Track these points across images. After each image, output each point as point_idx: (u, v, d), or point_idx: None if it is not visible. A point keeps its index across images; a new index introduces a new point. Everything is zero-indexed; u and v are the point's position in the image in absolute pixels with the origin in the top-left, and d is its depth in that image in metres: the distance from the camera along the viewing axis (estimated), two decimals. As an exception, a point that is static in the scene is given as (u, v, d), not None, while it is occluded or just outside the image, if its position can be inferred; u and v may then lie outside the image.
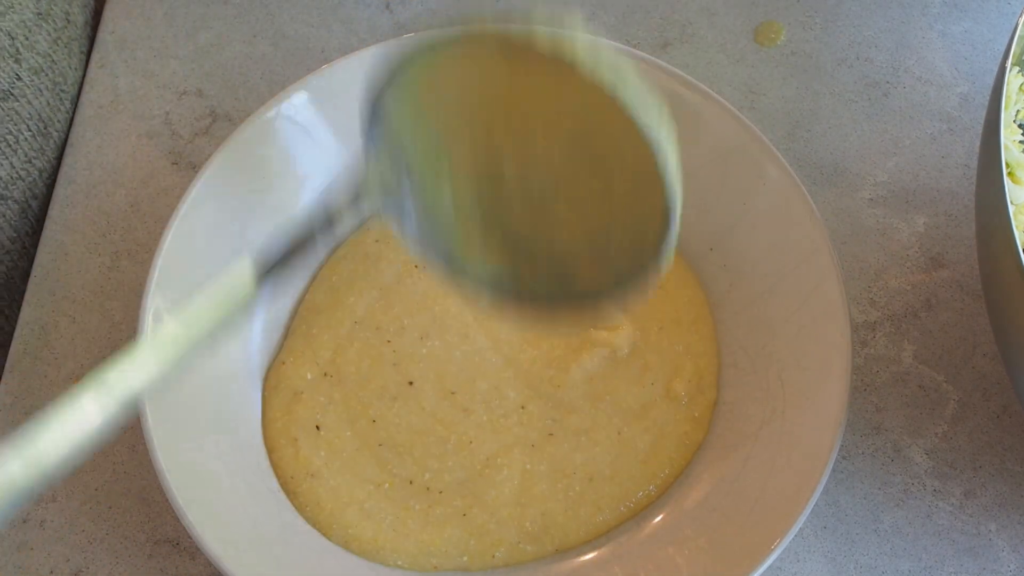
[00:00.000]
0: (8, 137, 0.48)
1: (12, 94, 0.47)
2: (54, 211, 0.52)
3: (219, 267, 0.46)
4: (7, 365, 0.49)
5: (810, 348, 0.45)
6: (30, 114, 0.50)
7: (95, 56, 0.56)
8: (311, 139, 0.49)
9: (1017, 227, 0.39)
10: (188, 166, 0.54)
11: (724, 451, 0.45)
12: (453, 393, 0.46)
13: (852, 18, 0.58)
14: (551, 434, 0.46)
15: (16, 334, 0.50)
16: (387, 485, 0.44)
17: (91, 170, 0.53)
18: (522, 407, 0.46)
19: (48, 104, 0.52)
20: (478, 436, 0.45)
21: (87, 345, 0.49)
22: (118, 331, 0.50)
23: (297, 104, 0.48)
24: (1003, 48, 0.42)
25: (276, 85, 0.55)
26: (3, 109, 0.47)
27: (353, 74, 0.49)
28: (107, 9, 0.58)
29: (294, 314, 0.48)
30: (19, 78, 0.48)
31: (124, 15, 0.58)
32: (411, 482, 0.44)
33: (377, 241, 0.50)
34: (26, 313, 0.50)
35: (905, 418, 0.48)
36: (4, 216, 0.50)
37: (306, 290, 0.49)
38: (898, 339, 0.50)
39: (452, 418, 0.46)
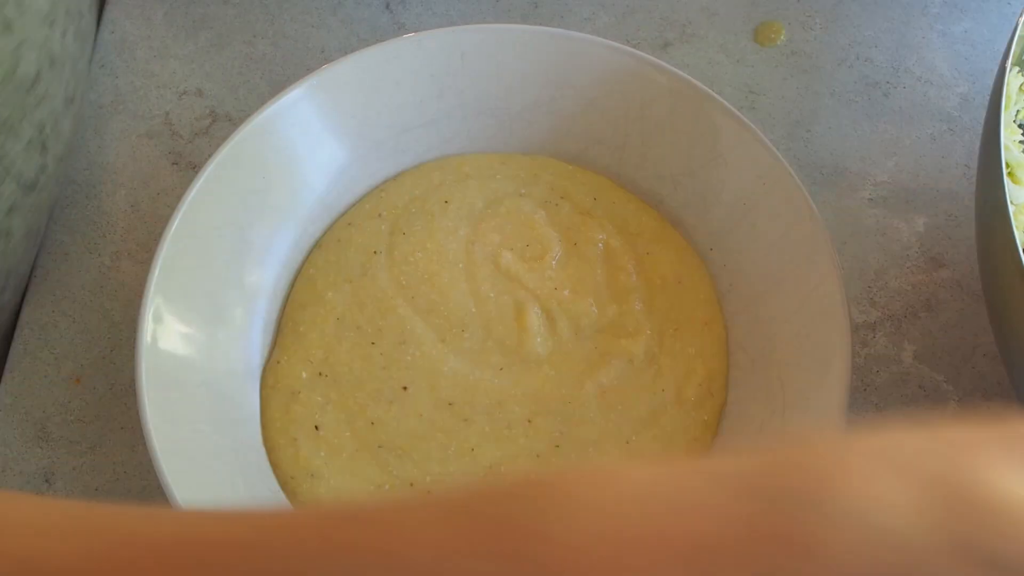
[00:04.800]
0: (31, 230, 0.48)
1: (37, 185, 0.47)
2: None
3: (219, 267, 0.46)
4: (7, 365, 0.49)
5: (810, 348, 0.45)
6: (50, 205, 0.50)
7: (95, 56, 0.56)
8: (311, 139, 0.49)
9: (1017, 227, 0.39)
10: (188, 166, 0.54)
11: (724, 452, 0.45)
12: (450, 404, 0.46)
13: (852, 18, 0.58)
14: (558, 446, 0.45)
15: (16, 334, 0.50)
16: (388, 486, 0.44)
17: (91, 170, 0.53)
18: (528, 421, 0.45)
19: (64, 192, 0.52)
20: (480, 444, 0.45)
21: (87, 345, 0.49)
22: (118, 331, 0.50)
23: (297, 104, 0.48)
24: (1003, 48, 0.42)
25: (276, 85, 0.55)
26: (28, 202, 0.47)
27: (353, 74, 0.49)
28: (107, 9, 0.58)
29: (283, 311, 0.48)
30: (44, 168, 0.48)
31: (124, 15, 0.58)
32: (412, 484, 0.44)
33: (350, 224, 0.49)
34: (26, 313, 0.50)
35: (905, 418, 0.48)
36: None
37: (292, 284, 0.49)
38: (898, 339, 0.50)
39: (452, 426, 0.45)
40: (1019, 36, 0.41)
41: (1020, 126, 0.45)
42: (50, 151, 0.47)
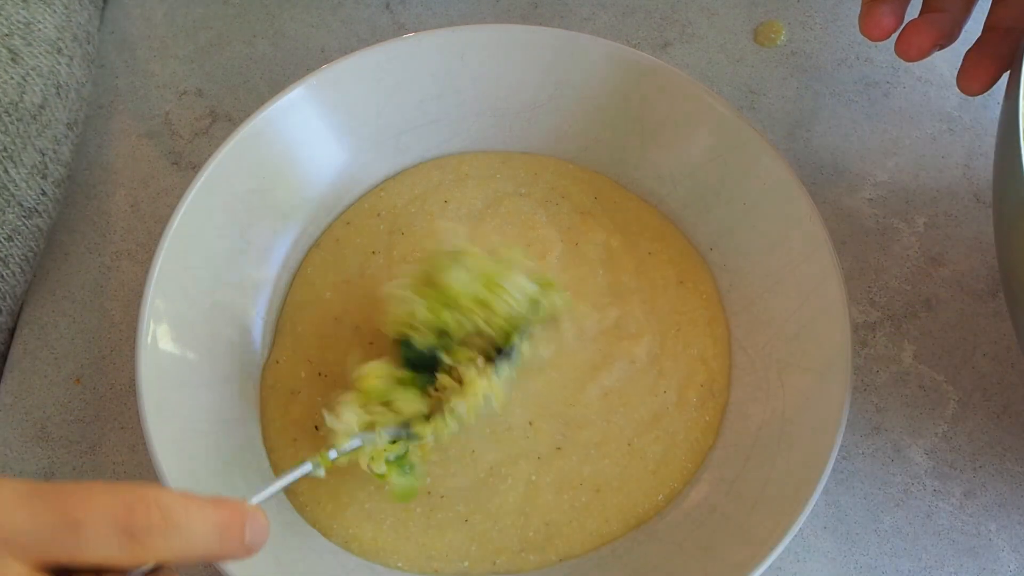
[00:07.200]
0: (28, 254, 0.49)
1: (37, 211, 0.48)
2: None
3: (219, 267, 0.46)
4: (7, 365, 0.49)
5: (810, 348, 0.45)
6: (48, 229, 0.50)
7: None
8: (311, 139, 0.49)
9: None
10: (188, 166, 0.54)
11: (724, 451, 0.45)
12: None
13: (852, 18, 0.58)
14: (559, 448, 0.45)
15: (16, 334, 0.50)
16: (388, 487, 0.44)
17: (91, 170, 0.53)
18: (529, 423, 0.45)
19: (63, 216, 0.52)
20: (480, 446, 0.45)
21: (87, 345, 0.49)
22: (118, 331, 0.50)
23: (297, 104, 0.48)
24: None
25: (276, 85, 0.55)
26: (27, 227, 0.48)
27: (353, 74, 0.49)
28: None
29: (282, 311, 0.48)
30: (44, 194, 0.48)
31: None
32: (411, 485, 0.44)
33: (348, 224, 0.49)
34: (26, 313, 0.50)
35: (905, 418, 0.48)
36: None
37: (290, 285, 0.49)
38: (898, 339, 0.50)
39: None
40: None
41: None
42: (50, 177, 0.48)
